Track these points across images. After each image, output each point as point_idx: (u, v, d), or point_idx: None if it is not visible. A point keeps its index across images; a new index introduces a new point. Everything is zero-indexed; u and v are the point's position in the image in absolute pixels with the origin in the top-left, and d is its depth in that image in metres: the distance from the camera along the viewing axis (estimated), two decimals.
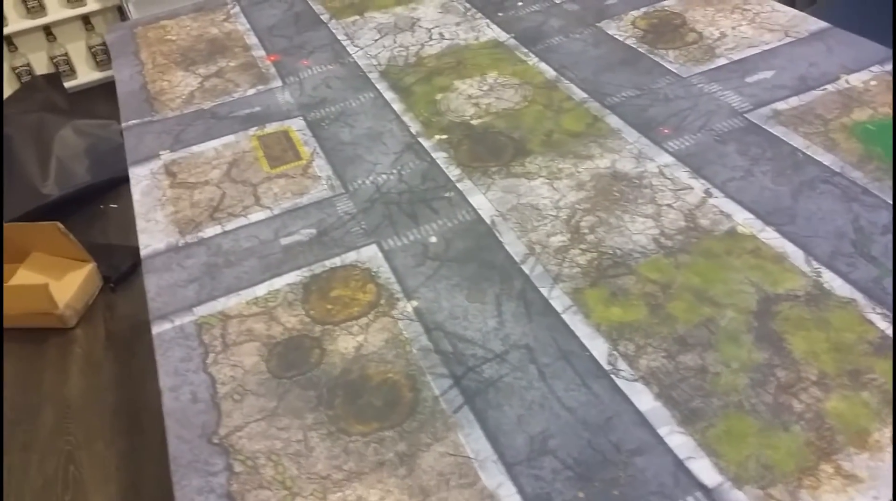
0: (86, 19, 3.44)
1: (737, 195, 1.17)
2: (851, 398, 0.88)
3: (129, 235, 2.70)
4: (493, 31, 1.72)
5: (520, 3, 1.82)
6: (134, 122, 1.58)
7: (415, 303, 1.08)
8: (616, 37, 1.62)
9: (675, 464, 0.83)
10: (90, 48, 3.51)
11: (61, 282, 2.37)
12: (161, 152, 1.47)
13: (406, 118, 1.47)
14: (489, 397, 0.94)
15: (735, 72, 1.43)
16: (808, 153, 1.22)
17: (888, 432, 0.84)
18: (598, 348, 0.97)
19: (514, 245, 1.15)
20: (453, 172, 1.31)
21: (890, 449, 0.82)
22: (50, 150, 2.78)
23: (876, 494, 0.78)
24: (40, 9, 3.31)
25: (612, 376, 0.94)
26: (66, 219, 2.41)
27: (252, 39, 1.84)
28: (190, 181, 1.38)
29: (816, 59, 1.43)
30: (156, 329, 1.10)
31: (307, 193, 1.32)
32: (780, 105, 1.33)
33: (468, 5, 1.85)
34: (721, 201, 1.16)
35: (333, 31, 1.83)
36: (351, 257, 1.17)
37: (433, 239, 1.18)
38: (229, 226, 1.27)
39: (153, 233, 1.28)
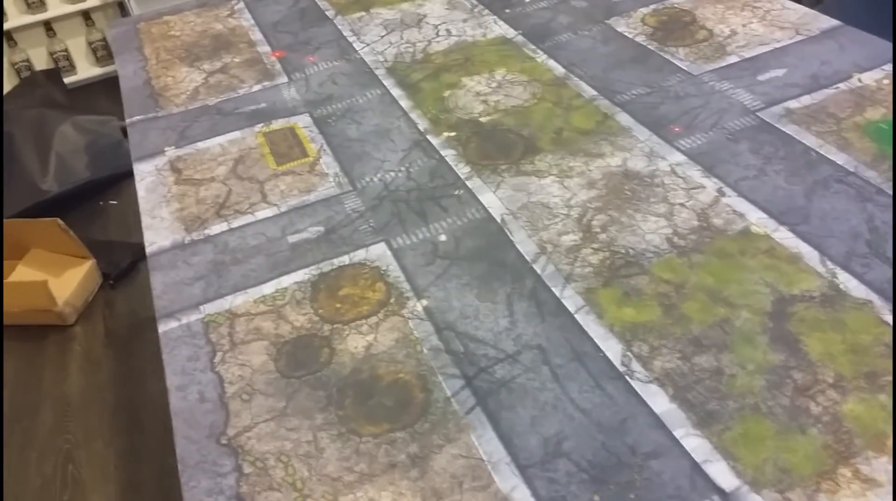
0: (86, 15, 3.42)
1: (750, 195, 1.15)
2: (869, 400, 0.87)
3: (128, 231, 2.69)
4: (500, 28, 1.71)
5: (527, 0, 1.81)
6: (138, 118, 1.56)
7: (425, 302, 1.07)
8: (625, 34, 1.61)
9: (692, 467, 0.82)
10: (90, 44, 3.49)
11: (61, 279, 2.35)
12: (166, 148, 1.45)
13: (414, 115, 1.46)
14: (502, 398, 0.93)
15: (746, 70, 1.42)
16: (822, 152, 1.21)
17: None
18: (612, 349, 0.96)
19: (524, 244, 1.13)
20: (462, 169, 1.30)
21: None
22: (49, 146, 2.76)
23: None
24: (40, 4, 3.29)
25: (627, 377, 0.92)
26: (65, 215, 2.40)
27: (257, 35, 1.83)
28: (195, 178, 1.37)
29: (828, 57, 1.42)
30: (162, 327, 1.08)
31: (314, 190, 1.30)
32: (793, 104, 1.32)
33: (475, 2, 1.84)
34: (734, 201, 1.15)
35: (339, 27, 1.82)
36: (360, 255, 1.16)
37: (443, 237, 1.17)
38: (236, 223, 1.25)
39: (158, 230, 1.26)
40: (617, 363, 0.94)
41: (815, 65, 1.41)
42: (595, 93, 1.44)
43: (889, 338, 0.93)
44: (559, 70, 1.53)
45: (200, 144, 1.46)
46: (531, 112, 1.42)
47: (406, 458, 0.88)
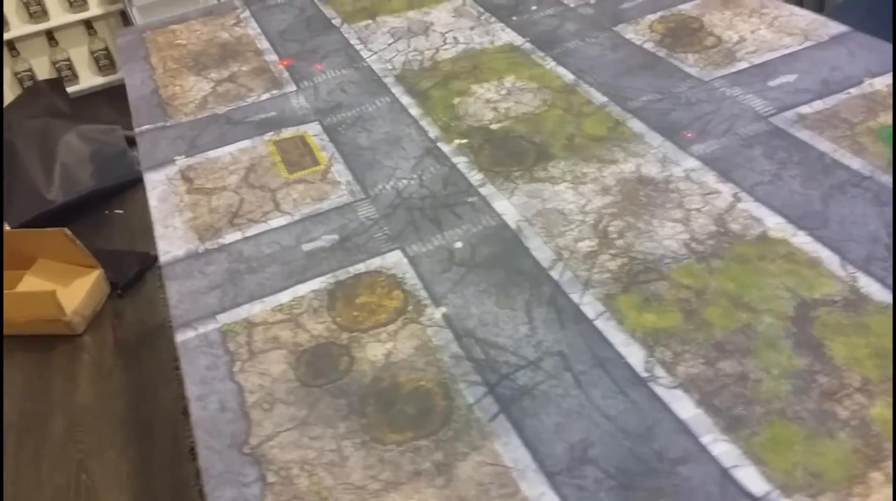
0: (88, 24, 3.42)
1: (766, 200, 1.15)
2: None
3: (135, 240, 2.69)
4: (508, 35, 1.71)
5: (534, 8, 1.81)
6: (147, 127, 1.56)
7: (443, 309, 1.06)
8: (633, 41, 1.61)
9: (721, 473, 0.82)
10: (92, 53, 3.49)
11: (69, 288, 2.34)
12: (176, 158, 1.45)
13: (424, 123, 1.46)
14: (525, 405, 0.92)
15: (757, 76, 1.43)
16: (836, 157, 1.21)
17: None
18: (634, 355, 0.96)
19: (541, 251, 1.13)
20: (475, 177, 1.30)
21: None
22: (54, 155, 2.76)
23: None
24: (42, 13, 3.29)
25: (651, 383, 0.92)
26: (71, 225, 2.39)
27: (263, 44, 1.83)
28: (207, 187, 1.36)
29: (838, 62, 1.42)
30: (179, 337, 1.08)
31: (327, 198, 1.30)
32: (805, 109, 1.32)
33: (481, 9, 1.84)
34: (750, 206, 1.15)
35: (346, 35, 1.82)
36: (375, 263, 1.16)
37: (458, 245, 1.17)
38: (250, 232, 1.25)
39: (172, 239, 1.26)
40: (640, 369, 0.94)
41: (826, 70, 1.41)
42: (605, 99, 1.44)
43: None
44: (569, 77, 1.53)
45: (211, 153, 1.45)
46: (542, 119, 1.42)
47: (431, 466, 0.87)
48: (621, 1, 1.77)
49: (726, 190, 1.18)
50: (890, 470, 0.80)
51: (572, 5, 1.80)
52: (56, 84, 3.28)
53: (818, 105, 1.33)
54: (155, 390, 2.13)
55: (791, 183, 1.18)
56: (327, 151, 1.42)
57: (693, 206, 1.16)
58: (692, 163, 1.25)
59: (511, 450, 0.88)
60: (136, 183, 2.94)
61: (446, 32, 1.76)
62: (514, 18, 1.78)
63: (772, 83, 1.40)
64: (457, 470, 0.86)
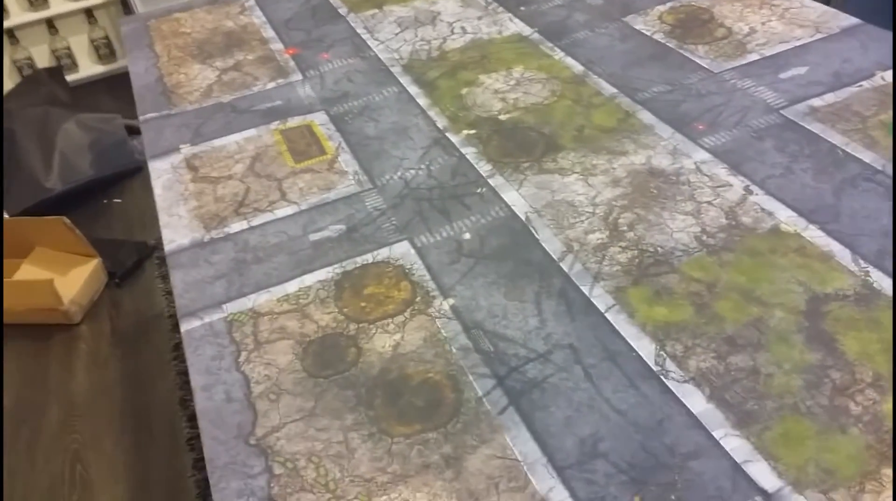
0: (88, 12, 3.39)
1: (778, 193, 1.14)
2: None
3: (133, 230, 2.67)
4: (516, 26, 1.70)
5: None
6: (152, 115, 1.54)
7: (451, 301, 1.05)
8: (643, 31, 1.59)
9: (733, 468, 0.81)
10: (92, 41, 3.46)
11: (66, 277, 2.33)
12: (181, 146, 1.44)
13: (432, 113, 1.45)
14: (534, 398, 0.91)
15: (768, 68, 1.41)
16: (848, 150, 1.20)
17: None
18: (645, 348, 0.95)
19: (550, 242, 1.12)
20: (483, 167, 1.29)
21: None
22: (53, 144, 2.74)
23: None
24: (42, 1, 3.26)
25: (662, 377, 0.91)
26: (69, 213, 2.37)
27: (269, 33, 1.81)
28: (213, 176, 1.35)
29: (850, 55, 1.41)
30: (185, 326, 1.07)
31: (334, 188, 1.29)
32: (816, 102, 1.31)
33: None
34: (762, 199, 1.14)
35: (352, 24, 1.80)
36: (383, 253, 1.15)
37: (467, 236, 1.16)
38: (255, 221, 1.24)
39: (177, 228, 1.24)
40: (651, 363, 0.93)
41: (837, 63, 1.40)
42: (615, 90, 1.43)
43: None
44: (577, 68, 1.52)
45: (216, 142, 1.44)
46: (551, 110, 1.40)
47: (440, 459, 0.86)
48: None
49: (737, 183, 1.17)
50: None
51: None
52: (56, 72, 3.25)
53: (830, 98, 1.32)
54: (152, 380, 2.12)
55: (803, 176, 1.17)
56: (334, 141, 1.40)
57: (704, 198, 1.15)
58: (703, 155, 1.24)
59: (520, 443, 0.87)
60: (136, 172, 2.93)
61: (454, 22, 1.74)
62: (522, 9, 1.76)
63: (783, 75, 1.39)
64: (466, 463, 0.86)
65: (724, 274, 1.03)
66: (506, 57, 1.58)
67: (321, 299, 1.09)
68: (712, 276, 1.03)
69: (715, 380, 0.90)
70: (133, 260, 2.49)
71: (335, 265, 1.13)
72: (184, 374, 2.08)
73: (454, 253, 1.13)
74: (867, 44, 1.44)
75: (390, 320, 1.04)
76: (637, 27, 1.62)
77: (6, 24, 3.22)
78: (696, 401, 0.88)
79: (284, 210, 1.25)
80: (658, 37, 1.57)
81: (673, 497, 0.79)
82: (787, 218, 1.10)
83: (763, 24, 1.55)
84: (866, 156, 1.19)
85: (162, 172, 1.37)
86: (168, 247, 1.21)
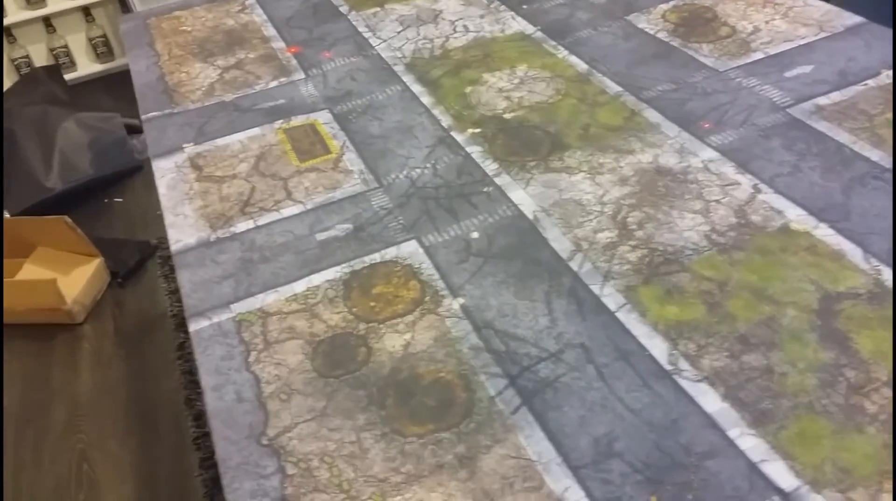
0: (86, 11, 3.37)
1: (786, 191, 1.14)
2: None
3: (135, 229, 2.66)
4: (518, 24, 1.69)
5: None
6: (154, 114, 1.53)
7: (461, 300, 1.05)
8: (646, 30, 1.59)
9: (749, 467, 0.81)
10: (90, 40, 3.45)
11: (69, 277, 2.32)
12: (184, 145, 1.43)
13: (436, 112, 1.44)
14: (547, 397, 0.91)
15: (773, 66, 1.41)
16: (856, 149, 1.20)
17: None
18: (658, 347, 0.95)
19: (559, 241, 1.12)
20: (490, 166, 1.28)
21: None
22: (53, 143, 2.73)
23: None
24: (40, 0, 3.24)
25: (675, 376, 0.91)
26: (69, 213, 2.36)
27: (270, 31, 1.80)
28: (217, 175, 1.34)
29: (855, 54, 1.41)
30: (193, 326, 1.06)
31: (340, 187, 1.28)
32: (822, 100, 1.31)
33: None
34: (771, 197, 1.14)
35: (354, 22, 1.79)
36: (391, 252, 1.14)
37: (475, 235, 1.15)
38: (262, 221, 1.23)
39: (182, 228, 1.24)
40: (664, 362, 0.93)
41: (842, 61, 1.40)
42: (620, 89, 1.43)
43: None
44: (581, 66, 1.51)
45: (220, 141, 1.43)
46: (556, 108, 1.40)
47: (453, 459, 0.86)
48: None
49: (746, 181, 1.17)
50: None
51: None
52: (54, 71, 3.24)
53: (836, 96, 1.32)
54: (156, 379, 2.11)
55: (811, 175, 1.17)
56: (338, 140, 1.40)
57: (713, 197, 1.15)
58: (710, 154, 1.23)
59: (534, 443, 0.86)
60: (136, 171, 2.92)
61: (456, 20, 1.73)
62: (525, 7, 1.76)
63: (788, 74, 1.39)
64: (480, 463, 0.85)
65: (736, 273, 1.03)
66: (509, 55, 1.58)
67: (330, 298, 1.08)
68: (723, 275, 1.03)
69: (729, 379, 0.90)
70: (135, 260, 2.48)
71: (343, 265, 1.13)
72: (189, 373, 2.08)
73: (462, 252, 1.13)
74: (871, 42, 1.44)
75: (400, 319, 1.03)
76: (640, 26, 1.61)
77: (4, 22, 3.20)
78: (710, 400, 0.88)
79: (290, 209, 1.24)
80: (662, 35, 1.57)
81: (690, 497, 0.79)
82: (796, 216, 1.10)
83: (767, 22, 1.55)
84: (874, 154, 1.19)
85: (166, 172, 1.37)
86: (174, 246, 1.20)
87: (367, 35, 1.74)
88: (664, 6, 1.67)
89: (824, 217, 1.09)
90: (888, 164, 1.17)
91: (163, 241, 2.55)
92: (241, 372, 0.99)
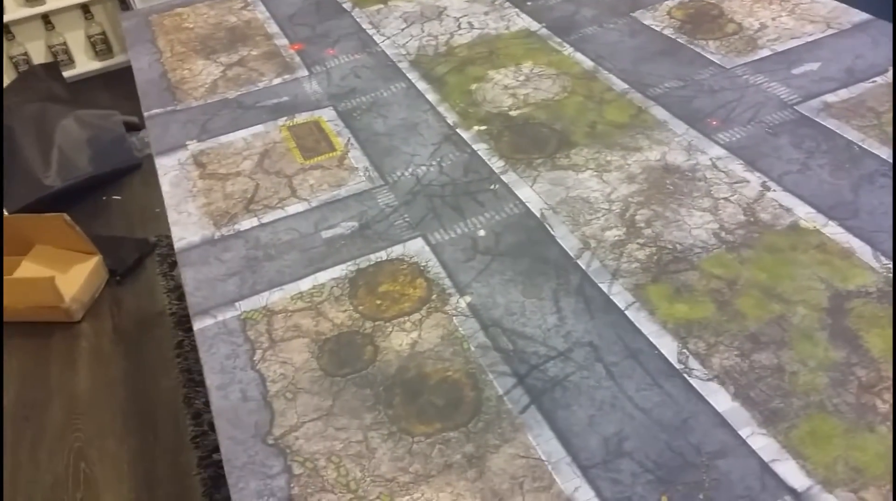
0: (85, 8, 3.36)
1: (795, 189, 1.14)
2: None
3: (133, 227, 2.65)
4: (523, 21, 1.68)
5: None
6: (157, 111, 1.52)
7: (468, 298, 1.04)
8: (652, 27, 1.58)
9: (761, 467, 0.80)
10: (89, 37, 3.43)
11: (67, 275, 2.30)
12: (188, 142, 1.42)
13: (441, 109, 1.43)
14: (556, 396, 0.90)
15: (780, 63, 1.41)
16: (864, 147, 1.19)
17: None
18: (667, 346, 0.94)
19: (567, 239, 1.11)
20: (496, 163, 1.28)
21: None
22: (52, 140, 2.71)
23: None
24: None
25: (685, 375, 0.90)
26: (68, 210, 2.35)
27: (273, 28, 1.79)
28: (221, 172, 1.33)
29: (862, 51, 1.40)
30: (197, 325, 1.05)
31: (345, 184, 1.27)
32: (830, 97, 1.30)
33: None
34: (780, 195, 1.13)
35: (357, 19, 1.78)
36: (397, 250, 1.13)
37: (482, 233, 1.14)
38: (266, 218, 1.22)
39: (186, 225, 1.23)
40: (674, 361, 0.92)
41: (850, 58, 1.39)
42: (626, 86, 1.42)
43: None
44: (587, 63, 1.50)
45: (223, 138, 1.42)
46: (562, 106, 1.39)
47: (462, 458, 0.85)
48: None
49: (754, 179, 1.16)
50: None
51: None
52: (52, 68, 3.22)
53: (844, 94, 1.31)
54: (155, 378, 2.10)
55: (820, 172, 1.16)
56: (343, 137, 1.39)
57: (721, 195, 1.14)
58: (718, 151, 1.23)
59: (543, 442, 0.86)
60: (135, 169, 2.91)
61: (460, 17, 1.73)
62: (529, 3, 1.75)
63: (795, 71, 1.38)
64: (489, 463, 0.84)
65: (745, 271, 1.02)
66: (514, 52, 1.57)
67: (335, 296, 1.07)
68: (733, 273, 1.02)
69: (739, 378, 0.89)
70: (134, 257, 2.47)
71: (349, 263, 1.12)
72: (188, 371, 2.07)
73: (469, 250, 1.12)
74: (878, 39, 1.43)
75: (406, 318, 1.03)
76: (646, 22, 1.61)
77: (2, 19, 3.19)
78: (720, 399, 0.87)
79: (295, 207, 1.24)
80: (668, 32, 1.56)
81: (701, 497, 0.79)
82: (805, 215, 1.09)
83: (773, 19, 1.54)
84: (882, 152, 1.18)
85: (169, 169, 1.36)
86: (178, 244, 1.19)
87: (370, 32, 1.73)
88: (669, 3, 1.66)
89: (833, 215, 1.08)
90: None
91: (161, 239, 2.54)
92: (246, 371, 0.98)
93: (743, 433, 0.83)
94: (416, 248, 1.13)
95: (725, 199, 1.14)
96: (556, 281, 1.05)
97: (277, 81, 1.58)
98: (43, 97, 2.91)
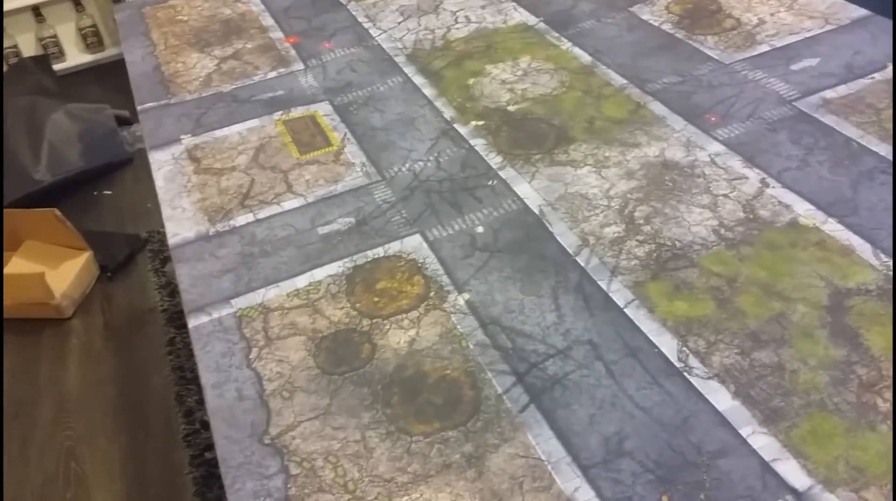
0: (76, 0, 3.32)
1: (794, 186, 1.13)
2: None
3: (124, 222, 2.63)
4: (521, 15, 1.67)
5: None
6: (150, 104, 1.50)
7: (466, 296, 1.03)
8: (650, 22, 1.58)
9: (762, 466, 0.80)
10: (80, 30, 3.40)
11: (57, 271, 2.28)
12: (182, 136, 1.40)
13: (438, 104, 1.42)
14: (556, 395, 0.89)
15: (779, 59, 1.40)
16: (864, 143, 1.19)
17: None
18: (667, 344, 0.93)
19: (566, 236, 1.10)
20: (494, 159, 1.27)
21: None
22: (42, 134, 2.68)
23: None
24: None
25: (685, 374, 0.90)
26: (58, 205, 2.33)
27: (268, 21, 1.77)
28: (216, 167, 1.32)
29: (861, 47, 1.40)
30: (192, 322, 1.04)
31: (341, 180, 1.26)
32: (829, 93, 1.30)
33: None
34: (779, 192, 1.12)
35: (353, 13, 1.77)
36: (394, 247, 1.12)
37: (480, 229, 1.13)
38: (262, 214, 1.21)
39: (181, 221, 1.21)
40: (674, 359, 0.91)
41: (849, 54, 1.39)
42: (625, 81, 1.41)
43: None
44: (585, 58, 1.49)
45: (218, 133, 1.41)
46: (561, 101, 1.38)
47: (461, 458, 0.84)
48: None
49: (753, 175, 1.16)
50: None
51: None
52: (42, 61, 3.19)
53: (843, 90, 1.30)
54: (146, 375, 2.08)
55: (819, 169, 1.15)
56: (339, 132, 1.37)
57: (720, 191, 1.14)
58: (717, 147, 1.22)
59: (543, 442, 0.85)
60: (126, 164, 2.88)
61: (457, 11, 1.71)
62: None
63: (794, 67, 1.37)
64: (488, 463, 0.84)
65: (745, 268, 1.01)
66: (512, 47, 1.56)
67: (332, 293, 1.06)
68: (732, 270, 1.01)
69: (740, 376, 0.88)
70: (125, 253, 2.45)
71: (346, 259, 1.11)
72: (179, 369, 2.05)
73: (467, 247, 1.11)
74: (878, 35, 1.43)
75: (404, 315, 1.02)
76: (644, 17, 1.60)
77: None
78: (721, 398, 0.86)
79: (291, 203, 1.22)
80: (666, 27, 1.55)
81: (702, 497, 0.78)
82: (805, 211, 1.09)
83: (772, 14, 1.54)
84: (882, 149, 1.18)
85: (163, 164, 1.34)
86: (172, 240, 1.18)
87: (367, 25, 1.71)
88: None
89: (833, 212, 1.08)
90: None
91: (153, 234, 2.51)
92: (242, 369, 0.97)
93: (743, 432, 0.83)
94: (413, 244, 1.12)
95: (725, 195, 1.13)
96: (554, 278, 1.04)
97: (273, 74, 1.56)
98: (33, 91, 2.88)
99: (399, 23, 1.70)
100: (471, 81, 1.47)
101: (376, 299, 1.05)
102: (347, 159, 1.30)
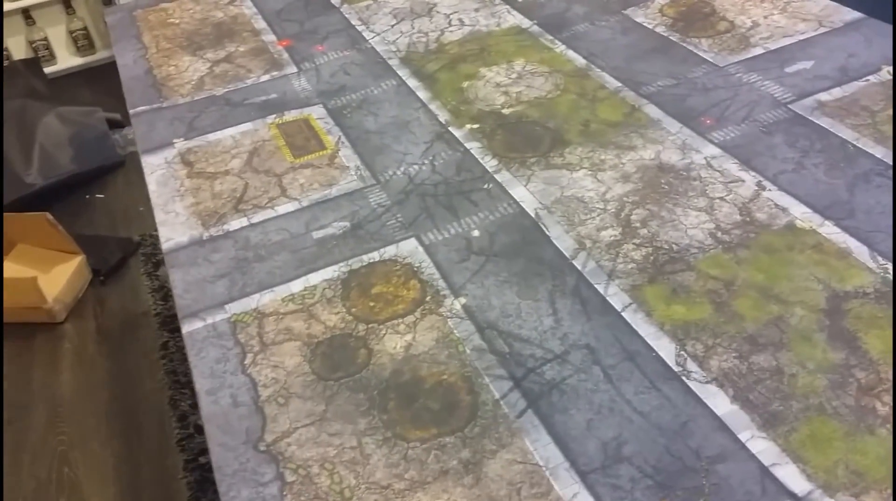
0: (66, 3, 3.31)
1: (791, 189, 1.13)
2: None
3: (116, 226, 2.61)
4: (514, 18, 1.67)
5: None
6: (143, 108, 1.49)
7: (463, 300, 1.02)
8: (644, 24, 1.57)
9: (761, 471, 0.79)
10: (71, 33, 3.38)
11: (49, 275, 2.27)
12: (175, 140, 1.39)
13: (433, 107, 1.41)
14: (553, 400, 0.89)
15: (773, 62, 1.40)
16: (859, 146, 1.19)
17: None
18: (665, 348, 0.93)
19: (562, 240, 1.10)
20: (489, 162, 1.26)
21: None
22: (33, 138, 2.66)
23: None
24: None
25: (683, 378, 0.89)
26: (50, 209, 2.31)
27: (260, 24, 1.76)
28: (209, 171, 1.31)
29: (855, 49, 1.40)
30: (186, 327, 1.03)
31: (336, 184, 1.25)
32: (824, 96, 1.30)
33: None
34: (775, 195, 1.12)
35: (346, 15, 1.76)
36: (390, 251, 1.11)
37: (476, 233, 1.13)
38: (256, 218, 1.20)
39: (174, 226, 1.20)
40: (672, 363, 0.91)
41: (843, 57, 1.39)
42: (619, 84, 1.41)
43: None
44: (580, 61, 1.49)
45: (211, 136, 1.40)
46: (555, 104, 1.38)
47: (458, 464, 0.84)
48: None
49: (749, 178, 1.16)
50: None
51: None
52: (33, 64, 3.17)
53: (837, 92, 1.30)
54: (140, 379, 2.07)
55: (815, 172, 1.15)
56: (333, 135, 1.37)
57: (716, 194, 1.13)
58: (713, 150, 1.22)
59: (541, 447, 0.84)
60: (118, 167, 2.87)
61: (451, 14, 1.71)
62: (520, 1, 1.74)
63: (789, 69, 1.37)
64: (485, 469, 0.83)
65: (742, 272, 1.01)
66: (506, 50, 1.55)
67: (328, 298, 1.05)
68: (730, 273, 1.01)
69: (738, 381, 0.88)
70: (118, 257, 2.43)
71: (341, 264, 1.10)
72: (173, 373, 2.04)
73: (463, 251, 1.10)
74: (871, 38, 1.43)
75: (400, 320, 1.01)
76: (638, 20, 1.59)
77: None
78: (719, 402, 0.86)
79: (285, 207, 1.21)
80: (660, 30, 1.55)
81: None
82: (801, 214, 1.08)
83: (765, 17, 1.54)
84: (877, 151, 1.18)
85: (156, 167, 1.33)
86: (165, 245, 1.17)
87: (360, 28, 1.70)
88: (661, 0, 1.65)
89: (829, 215, 1.08)
90: (891, 161, 1.16)
91: (145, 238, 2.50)
92: (236, 375, 0.96)
93: (742, 436, 0.83)
94: (409, 248, 1.11)
95: (721, 198, 1.13)
96: (551, 282, 1.03)
97: (266, 77, 1.56)
98: (23, 94, 2.86)
99: (392, 26, 1.69)
100: (465, 84, 1.46)
101: (372, 303, 1.04)
102: (342, 163, 1.30)
